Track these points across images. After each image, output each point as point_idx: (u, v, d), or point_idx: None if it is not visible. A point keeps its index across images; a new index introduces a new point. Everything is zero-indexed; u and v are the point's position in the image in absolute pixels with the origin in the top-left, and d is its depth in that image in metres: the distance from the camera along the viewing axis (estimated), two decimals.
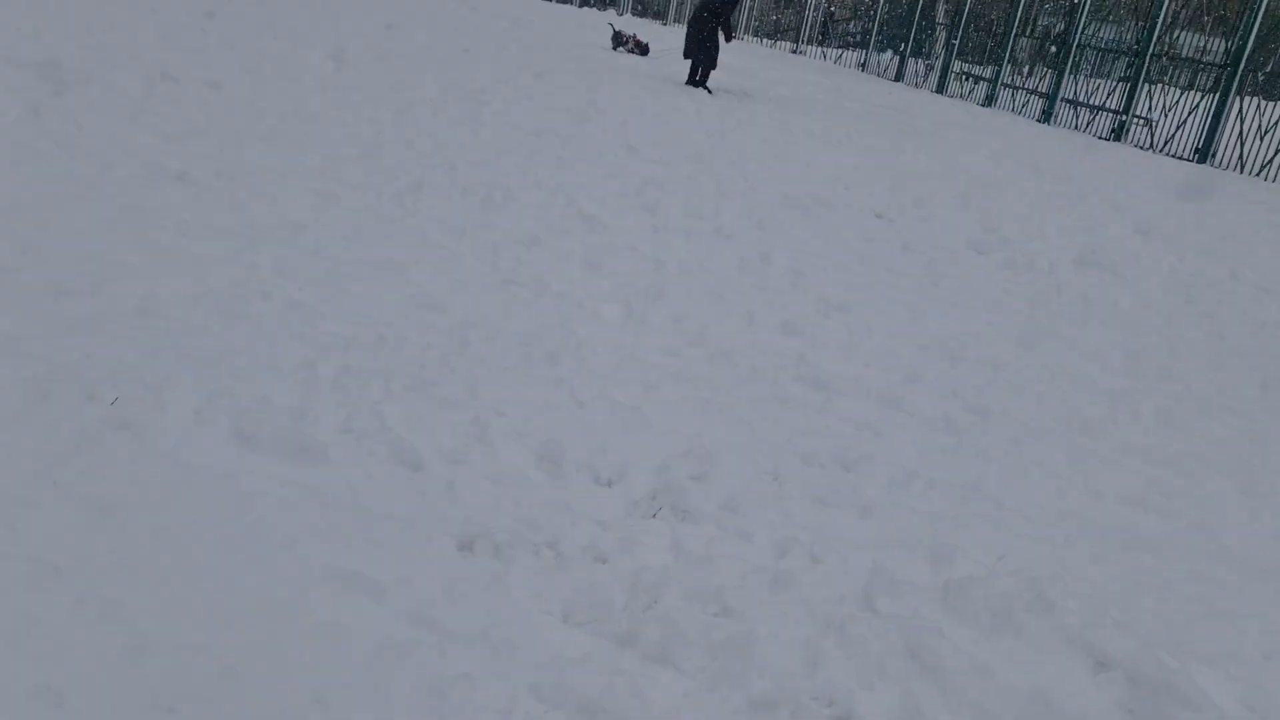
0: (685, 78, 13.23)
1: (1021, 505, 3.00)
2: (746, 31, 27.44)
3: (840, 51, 24.95)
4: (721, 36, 13.15)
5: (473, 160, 6.35)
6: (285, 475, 2.49)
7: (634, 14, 28.18)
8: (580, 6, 30.02)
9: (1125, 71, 15.38)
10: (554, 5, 28.90)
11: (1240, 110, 13.25)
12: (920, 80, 20.60)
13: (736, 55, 17.95)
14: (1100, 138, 15.34)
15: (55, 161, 4.79)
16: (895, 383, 3.84)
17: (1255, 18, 13.15)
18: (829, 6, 26.53)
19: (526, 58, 13.14)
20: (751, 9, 27.81)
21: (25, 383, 2.66)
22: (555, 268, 4.54)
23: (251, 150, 5.66)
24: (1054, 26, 17.29)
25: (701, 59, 13.00)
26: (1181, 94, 14.27)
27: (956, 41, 19.39)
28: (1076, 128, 16.02)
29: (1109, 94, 15.60)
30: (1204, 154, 13.62)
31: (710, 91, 12.84)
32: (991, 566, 2.55)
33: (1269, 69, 13.22)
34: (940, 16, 20.66)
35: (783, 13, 27.84)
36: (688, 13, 14.53)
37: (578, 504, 2.64)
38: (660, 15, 31.07)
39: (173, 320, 3.30)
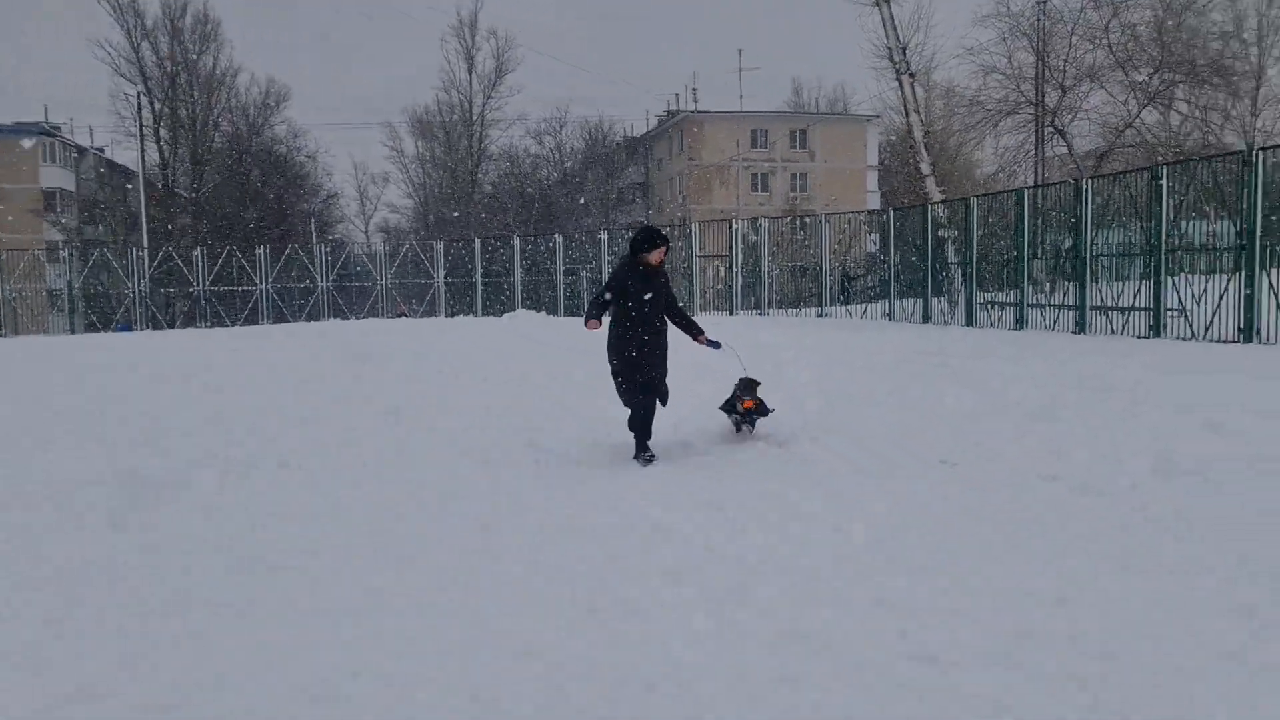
0: (636, 444, 7.50)
1: None
2: (771, 305, 28.64)
3: (864, 306, 25.94)
4: (687, 334, 7.79)
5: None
6: None
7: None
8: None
9: (1145, 269, 15.75)
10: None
11: (1271, 284, 13.39)
12: (948, 318, 21.17)
13: (762, 330, 18.61)
14: (1140, 337, 15.47)
15: None
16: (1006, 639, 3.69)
17: (1256, 196, 13.58)
18: (842, 267, 27.82)
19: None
20: (770, 284, 29.17)
21: None
22: None
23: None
24: (1062, 243, 17.90)
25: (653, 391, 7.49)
26: (1206, 280, 14.50)
27: (972, 277, 20.11)
28: (1113, 332, 16.20)
29: (1135, 294, 15.91)
30: (1248, 333, 13.63)
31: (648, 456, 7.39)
32: None
33: None
34: (951, 256, 21.53)
35: (800, 281, 29.14)
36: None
37: None
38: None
39: None
